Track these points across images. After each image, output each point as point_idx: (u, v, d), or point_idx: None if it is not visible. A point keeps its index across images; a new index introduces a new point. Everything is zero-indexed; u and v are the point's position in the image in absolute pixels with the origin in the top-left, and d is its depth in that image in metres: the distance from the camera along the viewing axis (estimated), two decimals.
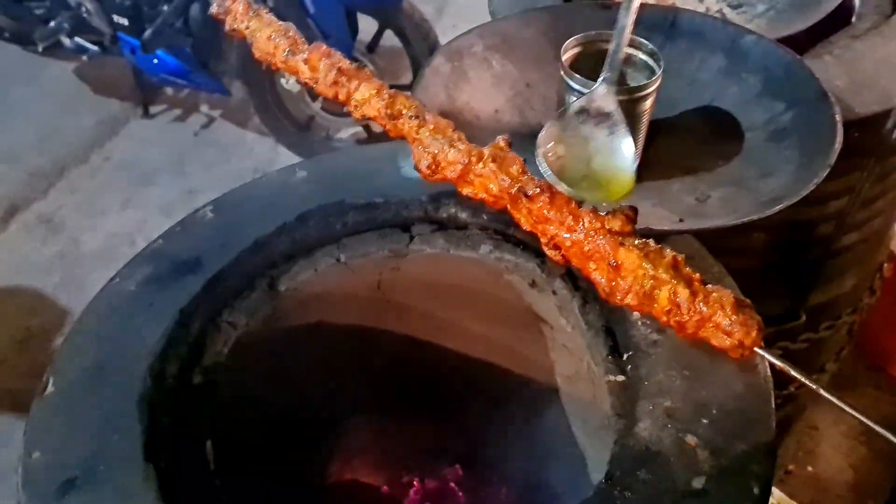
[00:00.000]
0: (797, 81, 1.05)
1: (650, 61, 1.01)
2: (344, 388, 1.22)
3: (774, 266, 1.23)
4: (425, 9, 2.97)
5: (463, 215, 1.07)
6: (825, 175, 0.89)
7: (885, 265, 1.53)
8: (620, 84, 0.99)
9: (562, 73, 0.99)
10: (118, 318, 0.95)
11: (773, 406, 0.83)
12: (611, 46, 0.98)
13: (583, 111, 0.93)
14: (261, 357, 1.06)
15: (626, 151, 0.90)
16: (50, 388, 0.88)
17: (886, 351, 1.88)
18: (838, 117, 0.96)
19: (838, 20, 1.32)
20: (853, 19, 1.30)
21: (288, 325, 1.09)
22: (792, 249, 1.26)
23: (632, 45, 1.02)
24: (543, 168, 0.84)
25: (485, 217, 1.06)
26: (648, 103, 0.98)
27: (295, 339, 1.13)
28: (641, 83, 0.97)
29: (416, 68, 2.92)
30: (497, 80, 1.14)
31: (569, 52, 1.01)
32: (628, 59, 1.02)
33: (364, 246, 1.08)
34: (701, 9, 1.46)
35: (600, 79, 0.94)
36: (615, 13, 1.22)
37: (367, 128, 3.12)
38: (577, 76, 0.97)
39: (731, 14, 1.44)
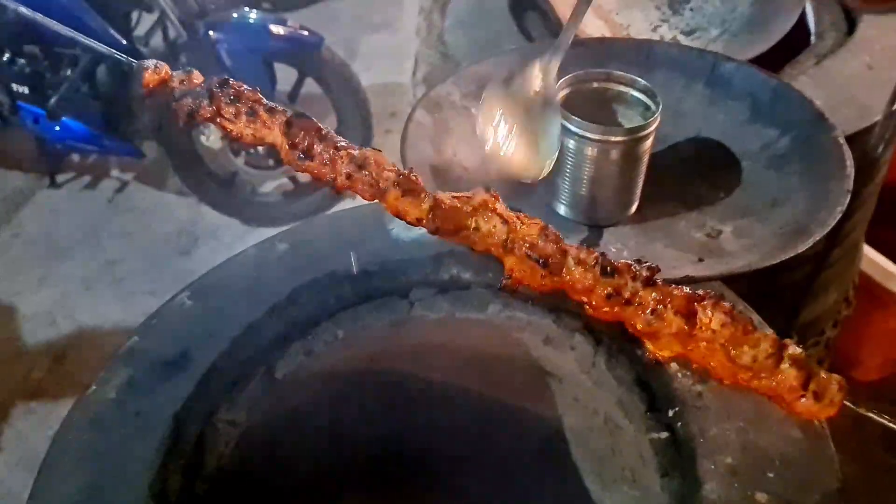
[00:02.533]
0: (787, 105, 1.03)
1: (644, 98, 0.97)
2: (338, 464, 1.13)
3: (766, 290, 1.21)
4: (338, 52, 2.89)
5: (466, 275, 1.00)
6: (847, 201, 0.86)
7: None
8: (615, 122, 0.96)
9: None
10: (102, 433, 0.84)
11: (833, 448, 0.80)
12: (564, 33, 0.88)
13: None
14: (259, 449, 0.96)
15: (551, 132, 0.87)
16: None
17: (852, 357, 1.90)
18: (842, 140, 0.94)
19: (788, 39, 1.32)
20: (812, 38, 1.30)
21: (285, 410, 1.00)
22: (783, 271, 1.25)
23: (622, 82, 0.98)
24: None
25: (490, 275, 0.99)
26: (648, 143, 0.94)
27: (290, 422, 1.03)
28: (640, 123, 0.93)
29: (340, 114, 2.83)
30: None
31: (561, 93, 0.96)
32: (619, 97, 0.98)
33: (361, 318, 1.00)
34: (656, 37, 1.44)
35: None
36: (585, 49, 1.19)
37: (292, 179, 3.01)
38: (575, 118, 0.92)
39: (685, 41, 1.43)
